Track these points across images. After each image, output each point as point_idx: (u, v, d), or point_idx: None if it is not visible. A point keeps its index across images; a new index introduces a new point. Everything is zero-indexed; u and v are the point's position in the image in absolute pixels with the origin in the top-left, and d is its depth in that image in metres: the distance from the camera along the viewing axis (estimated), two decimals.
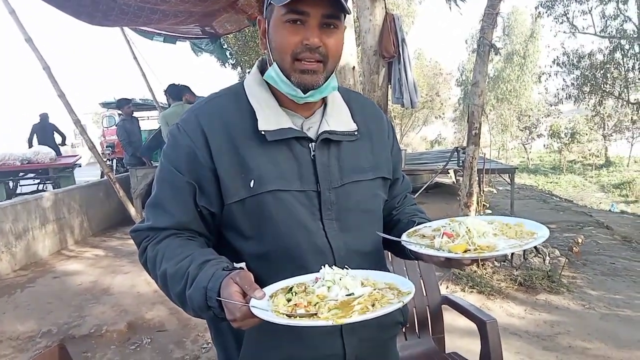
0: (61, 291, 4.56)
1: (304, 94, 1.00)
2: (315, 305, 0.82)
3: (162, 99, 7.60)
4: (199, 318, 0.97)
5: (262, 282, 0.85)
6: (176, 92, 6.49)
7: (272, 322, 0.79)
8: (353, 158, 1.10)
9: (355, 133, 1.11)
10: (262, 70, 1.09)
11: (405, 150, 9.95)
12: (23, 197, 6.12)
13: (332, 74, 1.04)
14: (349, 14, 0.99)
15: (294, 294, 0.86)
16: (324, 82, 1.02)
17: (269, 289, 0.87)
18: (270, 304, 0.83)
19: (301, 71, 0.98)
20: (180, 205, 1.02)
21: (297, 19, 0.96)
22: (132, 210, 5.61)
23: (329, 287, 0.86)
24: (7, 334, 3.63)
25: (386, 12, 5.05)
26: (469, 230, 0.98)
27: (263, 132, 1.00)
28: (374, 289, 0.87)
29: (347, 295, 0.85)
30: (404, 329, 2.33)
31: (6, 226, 5.24)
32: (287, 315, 0.80)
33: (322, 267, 0.91)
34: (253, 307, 0.79)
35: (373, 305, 0.82)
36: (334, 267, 0.91)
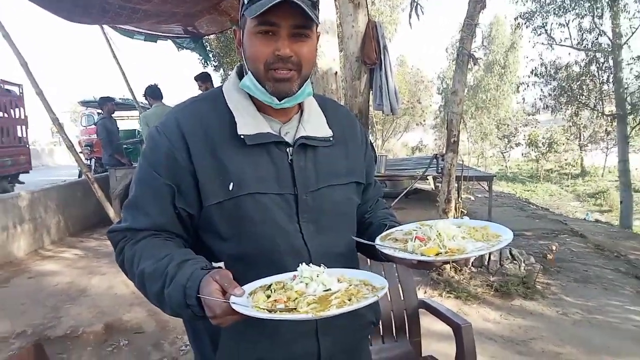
0: (36, 291, 4.48)
1: (279, 101, 1.03)
2: (294, 300, 0.84)
3: (142, 98, 7.54)
4: (177, 317, 0.98)
5: (240, 283, 0.86)
6: (155, 93, 6.44)
7: (250, 320, 0.81)
8: (329, 163, 1.13)
9: (331, 139, 1.14)
10: (241, 76, 1.12)
11: (386, 156, 10.02)
12: None
13: (306, 80, 1.06)
14: (318, 24, 1.02)
15: (272, 290, 0.88)
16: (299, 89, 1.04)
17: (248, 287, 0.89)
18: (250, 301, 0.85)
19: (275, 80, 1.01)
20: (158, 206, 1.03)
21: (268, 30, 0.99)
22: (111, 211, 5.54)
23: (306, 284, 0.89)
24: None
25: (369, 19, 5.11)
26: (439, 234, 1.02)
27: (242, 136, 1.02)
28: (350, 285, 0.90)
29: (324, 290, 0.87)
30: (381, 332, 2.36)
31: None
32: (267, 310, 0.82)
33: (300, 265, 0.94)
34: (233, 303, 0.80)
35: (350, 299, 0.85)
36: (311, 264, 0.94)
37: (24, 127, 10.47)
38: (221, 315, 0.82)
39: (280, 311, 0.82)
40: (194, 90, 6.37)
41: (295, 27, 0.99)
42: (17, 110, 10.19)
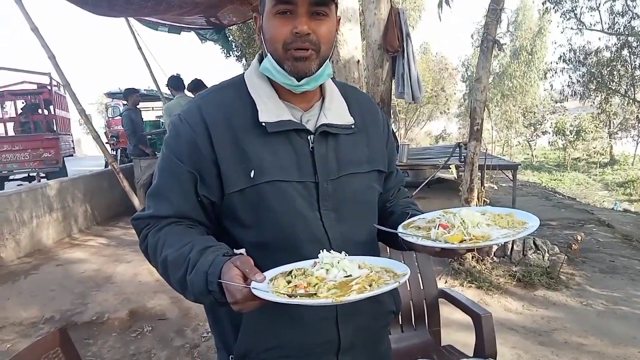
0: (64, 279, 4.62)
1: (298, 81, 1.02)
2: (314, 286, 0.84)
3: (166, 90, 7.63)
4: (199, 303, 0.99)
5: (261, 270, 0.86)
6: (178, 83, 6.50)
7: (271, 307, 0.82)
8: (350, 151, 1.12)
9: (352, 127, 1.13)
10: (261, 63, 1.11)
11: (409, 145, 9.93)
12: (28, 185, 6.17)
13: (325, 61, 1.05)
14: (336, 3, 1.01)
15: (293, 276, 0.89)
16: (318, 69, 1.03)
17: (269, 274, 0.89)
18: (271, 287, 0.85)
19: (294, 59, 1.00)
20: (181, 194, 1.04)
21: (285, 9, 0.98)
22: (136, 200, 5.65)
23: (327, 270, 0.88)
24: (10, 320, 3.69)
25: (391, 6, 5.05)
26: (463, 221, 1.00)
27: (263, 124, 1.02)
28: (371, 272, 0.90)
29: (345, 277, 0.87)
30: (400, 321, 2.36)
31: (11, 214, 5.30)
32: (287, 295, 0.82)
33: (321, 251, 0.93)
34: (254, 288, 0.81)
35: (370, 285, 0.84)
36: (332, 251, 0.93)
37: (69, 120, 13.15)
38: (242, 301, 0.83)
39: (300, 296, 0.81)
40: (216, 82, 6.39)
41: (313, 4, 0.98)
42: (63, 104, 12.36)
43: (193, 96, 6.27)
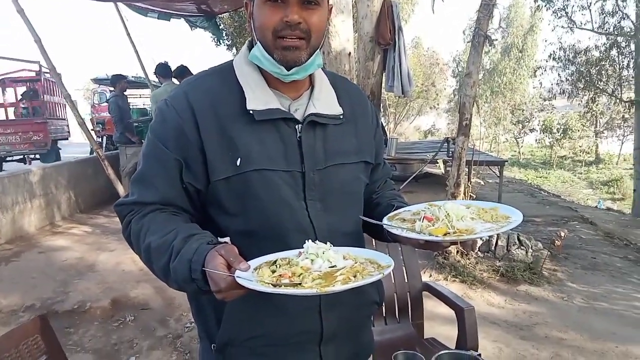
0: (46, 266, 4.56)
1: (288, 71, 1.01)
2: (299, 276, 0.84)
3: (155, 77, 7.54)
4: (182, 291, 0.98)
5: (245, 259, 0.86)
6: (166, 71, 6.42)
7: (254, 296, 0.81)
8: (338, 141, 1.11)
9: (341, 117, 1.12)
10: (250, 50, 1.10)
11: (397, 139, 9.94)
12: (11, 171, 6.07)
13: (315, 51, 1.04)
14: None
15: (278, 266, 0.88)
16: (308, 59, 1.02)
17: (253, 263, 0.88)
18: (255, 276, 0.84)
19: (283, 48, 0.99)
20: (166, 180, 1.03)
21: None
22: (121, 188, 5.59)
23: (312, 260, 0.88)
24: None
25: None
26: (448, 214, 1.00)
27: (251, 112, 1.01)
28: (356, 262, 0.90)
29: (329, 267, 0.87)
30: (384, 313, 2.37)
31: None
32: (272, 284, 0.81)
33: (306, 240, 0.93)
34: (238, 277, 0.80)
35: (355, 276, 0.84)
36: (317, 241, 0.93)
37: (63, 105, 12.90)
38: (226, 290, 0.82)
39: (285, 286, 0.81)
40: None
41: None
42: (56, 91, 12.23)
43: (176, 83, 6.24)
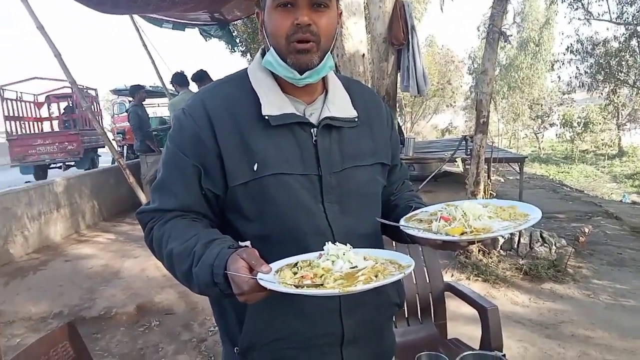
0: (73, 274, 4.66)
1: (301, 75, 1.02)
2: (321, 277, 0.85)
3: (171, 86, 7.66)
4: (204, 295, 1.00)
5: (266, 262, 0.87)
6: (182, 80, 6.51)
7: (275, 299, 0.83)
8: (353, 144, 1.12)
9: (356, 119, 1.13)
10: (264, 57, 1.11)
11: (414, 138, 9.88)
12: (36, 182, 6.23)
13: (326, 53, 1.05)
14: None
15: (299, 268, 0.89)
16: (319, 62, 1.03)
17: (275, 265, 0.89)
18: (277, 278, 0.85)
19: (297, 51, 1.01)
20: (185, 187, 1.05)
21: (286, 2, 0.99)
22: (142, 196, 5.67)
23: (333, 261, 0.89)
24: (20, 315, 3.73)
25: None
26: (464, 213, 1.00)
27: (267, 117, 1.03)
28: (376, 263, 0.90)
29: (350, 268, 0.87)
30: (406, 314, 2.36)
31: (19, 210, 5.34)
32: (294, 285, 0.82)
33: (326, 244, 0.94)
34: (260, 279, 0.81)
35: (376, 276, 0.84)
36: (337, 243, 0.94)
37: (100, 118, 13.74)
38: (248, 292, 0.83)
39: (307, 287, 0.82)
40: (221, 77, 6.36)
41: None
42: (94, 106, 13.37)
43: (193, 92, 6.31)
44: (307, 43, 1.00)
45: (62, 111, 14.08)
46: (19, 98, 12.45)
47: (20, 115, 12.49)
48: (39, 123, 13.48)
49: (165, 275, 4.27)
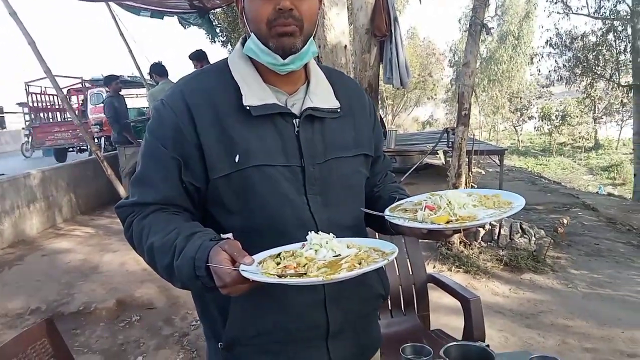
0: (50, 269, 4.57)
1: (284, 59, 1.00)
2: (304, 266, 0.84)
3: (150, 76, 7.52)
4: (186, 289, 0.98)
5: (248, 254, 0.86)
6: (161, 70, 6.40)
7: (257, 293, 0.82)
8: (336, 135, 1.11)
9: (338, 110, 1.12)
10: (244, 46, 1.09)
11: (396, 131, 9.93)
12: (11, 175, 6.06)
13: (309, 38, 1.04)
14: None
15: (282, 258, 0.88)
16: (302, 47, 1.02)
17: (257, 257, 0.88)
18: (260, 269, 0.84)
19: (278, 35, 0.99)
20: (165, 180, 1.02)
21: None
22: (121, 189, 5.59)
23: (316, 250, 0.88)
24: None
25: None
26: (449, 202, 1.00)
27: (248, 108, 1.01)
28: (360, 251, 0.89)
29: (334, 256, 0.87)
30: (389, 306, 2.37)
31: None
32: (277, 275, 0.81)
33: (308, 233, 0.92)
34: (243, 270, 0.79)
35: (360, 263, 0.83)
36: (320, 232, 0.92)
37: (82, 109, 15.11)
38: (231, 284, 0.82)
39: (290, 276, 0.81)
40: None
41: None
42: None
43: (173, 82, 6.22)
44: (289, 26, 0.98)
45: (80, 103, 15.33)
46: (42, 92, 14.84)
47: (43, 106, 15.05)
48: (60, 113, 15.67)
49: (145, 269, 4.22)
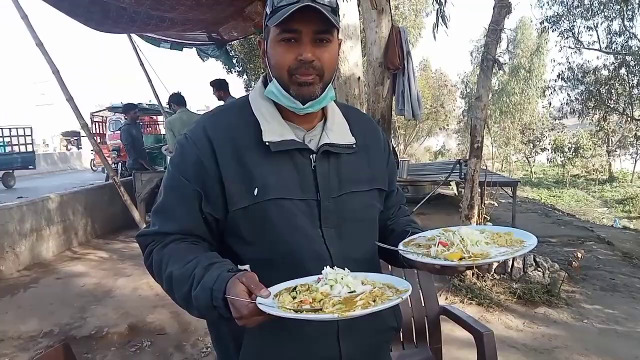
0: (64, 292, 4.60)
1: (303, 105, 1.06)
2: (319, 301, 0.86)
3: (168, 106, 7.71)
4: (203, 318, 1.01)
5: (264, 286, 0.88)
6: (179, 99, 6.56)
7: (273, 323, 0.84)
8: (351, 170, 1.15)
9: (354, 146, 1.16)
10: (265, 85, 1.15)
11: (409, 161, 9.96)
12: (30, 199, 6.18)
13: (328, 84, 1.09)
14: (338, 29, 1.04)
15: (298, 292, 0.90)
16: (322, 93, 1.07)
17: (274, 289, 0.90)
18: (276, 302, 0.86)
19: (299, 84, 1.04)
20: (186, 211, 1.07)
21: (290, 37, 1.02)
22: (136, 214, 5.65)
23: (331, 286, 0.90)
24: (9, 334, 3.67)
25: (392, 24, 5.11)
26: (462, 239, 1.03)
27: (267, 143, 1.06)
28: (374, 287, 0.92)
29: (349, 292, 0.89)
30: (401, 338, 2.36)
31: (11, 227, 5.30)
32: (293, 310, 0.83)
33: (324, 268, 0.95)
34: (260, 303, 0.82)
35: (374, 301, 0.86)
36: (335, 267, 0.95)
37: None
38: (247, 316, 0.84)
39: (306, 311, 0.83)
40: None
41: (316, 32, 1.02)
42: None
43: (195, 111, 6.36)
44: (309, 76, 1.04)
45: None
46: (103, 120, 16.73)
47: (102, 132, 16.64)
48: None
49: (157, 294, 4.23)
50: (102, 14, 5.00)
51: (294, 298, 0.88)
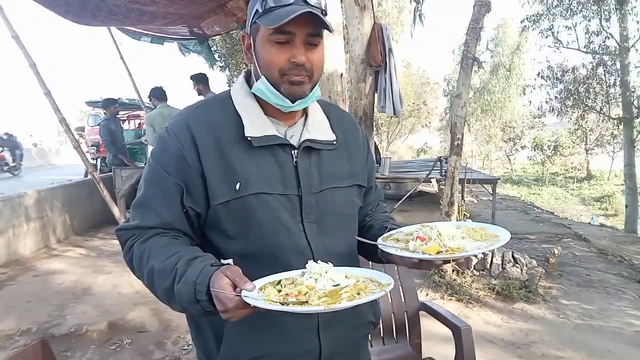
0: (42, 290, 4.52)
1: (292, 103, 1.07)
2: (305, 294, 0.87)
3: (149, 100, 7.60)
4: (185, 312, 1.01)
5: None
6: (160, 94, 6.48)
7: (252, 318, 0.85)
8: (332, 166, 1.16)
9: (334, 142, 1.18)
10: (248, 80, 1.15)
11: (390, 158, 10.01)
12: (6, 195, 6.05)
13: (316, 84, 1.11)
14: (331, 31, 1.05)
15: (283, 285, 0.91)
16: (310, 92, 1.09)
17: (258, 283, 0.91)
18: (261, 295, 0.87)
19: (290, 83, 1.05)
20: (167, 205, 1.06)
21: (284, 39, 1.03)
22: (116, 211, 5.58)
23: (316, 279, 0.91)
24: None
25: (374, 21, 5.13)
26: (440, 233, 1.05)
27: (249, 138, 1.06)
28: (357, 281, 0.93)
29: (333, 286, 0.90)
30: (381, 334, 2.38)
31: None
32: (280, 302, 0.84)
33: (306, 263, 0.97)
34: (245, 296, 0.83)
35: (358, 293, 0.88)
36: (319, 261, 0.96)
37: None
38: (233, 309, 0.85)
39: (292, 304, 0.84)
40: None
41: (309, 35, 1.04)
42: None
43: (176, 106, 6.29)
44: (301, 77, 1.05)
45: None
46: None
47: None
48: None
49: (138, 291, 4.19)
50: (80, 6, 4.90)
51: (279, 291, 0.89)
